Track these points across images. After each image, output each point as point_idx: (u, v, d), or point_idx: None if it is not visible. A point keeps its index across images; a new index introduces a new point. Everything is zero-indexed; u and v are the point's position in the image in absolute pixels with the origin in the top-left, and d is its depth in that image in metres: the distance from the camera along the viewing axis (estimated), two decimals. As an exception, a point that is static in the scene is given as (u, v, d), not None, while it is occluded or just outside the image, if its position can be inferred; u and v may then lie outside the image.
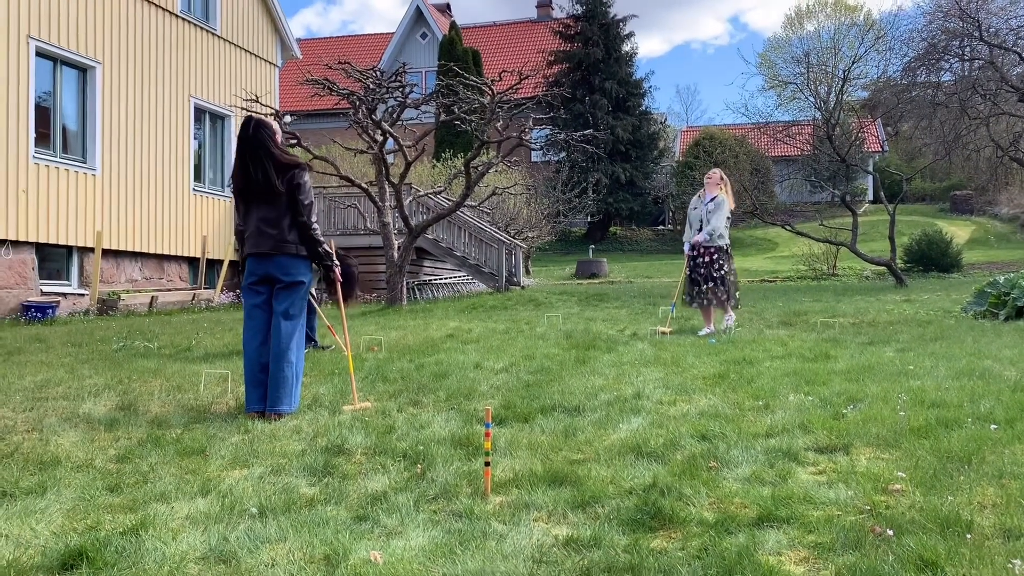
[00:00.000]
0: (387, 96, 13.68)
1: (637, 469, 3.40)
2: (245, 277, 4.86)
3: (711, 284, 8.39)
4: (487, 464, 3.20)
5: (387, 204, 13.74)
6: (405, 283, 13.89)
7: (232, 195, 4.96)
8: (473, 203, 16.94)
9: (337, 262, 5.08)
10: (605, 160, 30.94)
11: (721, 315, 8.70)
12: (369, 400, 5.01)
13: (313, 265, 4.95)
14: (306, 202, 4.75)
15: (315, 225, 4.80)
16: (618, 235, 34.65)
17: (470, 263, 16.82)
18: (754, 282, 20.87)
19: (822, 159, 23.59)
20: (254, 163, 4.74)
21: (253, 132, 4.78)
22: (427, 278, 17.76)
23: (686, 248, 8.66)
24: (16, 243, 12.49)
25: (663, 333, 8.50)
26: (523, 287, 17.23)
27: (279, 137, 4.91)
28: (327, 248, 4.91)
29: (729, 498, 3.00)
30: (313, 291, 7.59)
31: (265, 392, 4.66)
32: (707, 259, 8.45)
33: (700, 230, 8.52)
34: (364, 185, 14.14)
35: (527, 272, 22.36)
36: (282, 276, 4.76)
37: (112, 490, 3.28)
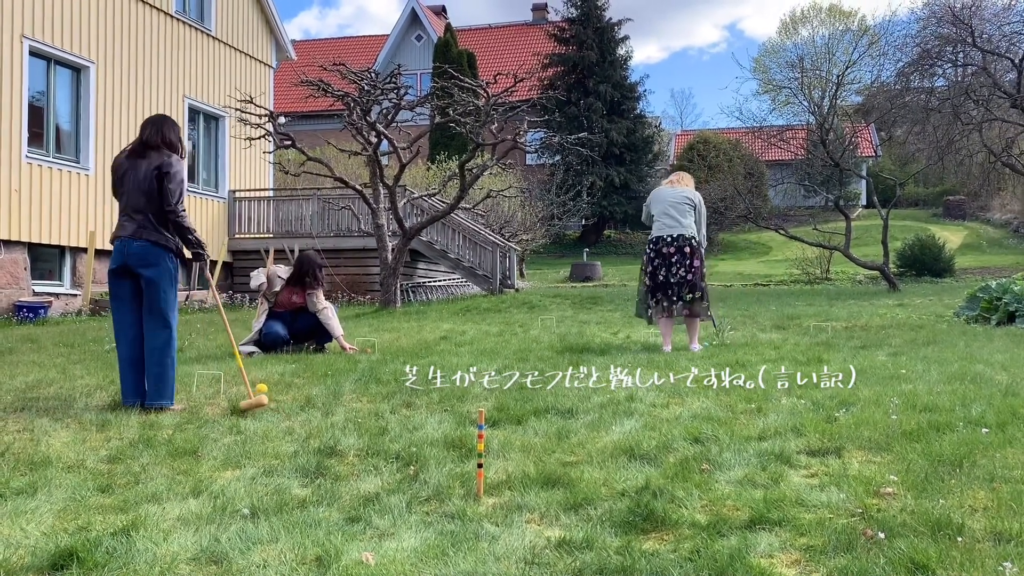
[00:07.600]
0: (382, 98, 13.67)
1: (630, 471, 3.40)
2: (110, 263, 4.97)
3: (700, 293, 7.21)
4: (480, 466, 3.20)
5: (381, 206, 13.73)
6: (399, 285, 13.88)
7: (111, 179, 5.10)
8: (468, 205, 16.95)
9: (208, 253, 5.06)
10: (599, 163, 30.98)
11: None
12: (262, 394, 4.87)
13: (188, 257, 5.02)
14: (172, 187, 4.81)
15: (182, 211, 4.88)
16: (612, 238, 34.72)
17: (464, 265, 16.81)
18: (747, 286, 20.91)
19: (816, 163, 23.70)
20: (142, 129, 4.94)
21: (158, 115, 5.07)
22: (421, 280, 17.75)
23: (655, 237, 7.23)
24: (8, 243, 12.45)
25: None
26: (517, 290, 17.22)
27: (182, 134, 5.16)
28: (198, 237, 4.99)
29: (721, 500, 3.00)
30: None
31: (138, 385, 4.86)
32: (691, 260, 7.17)
33: (674, 219, 7.18)
34: (358, 187, 14.13)
35: (521, 275, 22.36)
36: (139, 267, 4.82)
37: (103, 491, 3.27)
